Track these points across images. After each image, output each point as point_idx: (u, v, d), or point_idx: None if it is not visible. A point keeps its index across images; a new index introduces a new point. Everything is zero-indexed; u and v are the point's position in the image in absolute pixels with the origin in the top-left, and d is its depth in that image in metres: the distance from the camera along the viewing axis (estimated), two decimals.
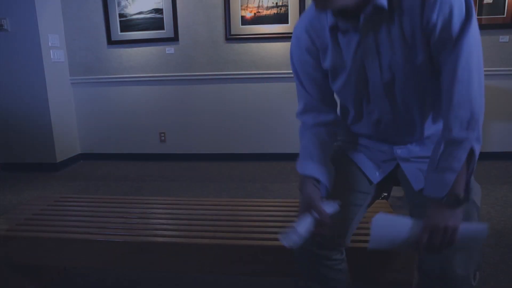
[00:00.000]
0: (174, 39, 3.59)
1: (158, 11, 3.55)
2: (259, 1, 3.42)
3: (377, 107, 0.95)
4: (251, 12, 3.45)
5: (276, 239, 1.31)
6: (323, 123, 1.03)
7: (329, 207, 0.91)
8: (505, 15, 3.25)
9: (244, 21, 3.48)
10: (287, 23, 3.42)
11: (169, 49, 3.64)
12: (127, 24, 3.61)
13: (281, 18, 3.43)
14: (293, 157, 4.22)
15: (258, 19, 3.46)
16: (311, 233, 0.87)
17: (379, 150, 1.03)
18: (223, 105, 3.72)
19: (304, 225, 0.85)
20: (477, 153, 0.81)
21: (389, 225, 0.82)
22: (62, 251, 1.38)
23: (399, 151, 0.99)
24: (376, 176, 1.03)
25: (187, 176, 3.35)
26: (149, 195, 2.86)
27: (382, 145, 1.03)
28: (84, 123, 3.91)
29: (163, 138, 3.86)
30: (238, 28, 3.50)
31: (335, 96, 1.05)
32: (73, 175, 3.48)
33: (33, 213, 1.60)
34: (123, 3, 3.58)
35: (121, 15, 3.61)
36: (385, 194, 2.50)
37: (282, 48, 3.51)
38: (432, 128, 0.97)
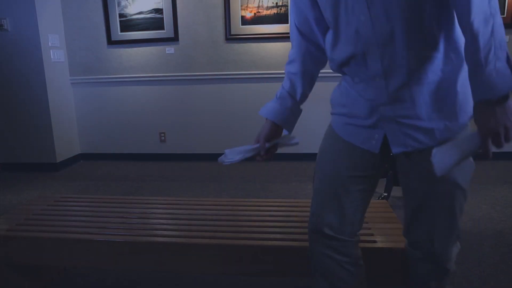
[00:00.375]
0: (174, 39, 3.59)
1: (158, 11, 3.55)
2: (259, 1, 3.42)
3: (355, 14, 0.87)
4: (251, 12, 3.45)
5: (276, 239, 1.31)
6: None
7: (284, 142, 1.09)
8: (505, 15, 3.25)
9: (244, 21, 3.48)
10: (287, 23, 3.41)
11: (169, 49, 3.64)
12: (127, 24, 3.62)
13: (281, 18, 3.43)
14: (293, 157, 4.18)
15: (258, 19, 3.46)
16: (247, 158, 1.11)
17: (364, 117, 0.96)
18: (223, 105, 3.72)
19: (240, 152, 1.11)
20: (503, 37, 0.75)
21: (447, 152, 0.82)
22: (62, 251, 1.38)
23: (382, 108, 0.92)
24: (372, 144, 0.97)
25: (187, 176, 3.35)
26: (149, 195, 2.86)
27: (366, 90, 0.94)
28: (84, 123, 3.91)
29: (163, 138, 3.86)
30: (238, 28, 3.50)
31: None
32: (73, 175, 3.48)
33: (33, 213, 1.60)
34: (123, 3, 3.58)
35: (121, 15, 3.61)
36: (385, 194, 2.51)
37: (282, 48, 3.51)
38: (420, 67, 0.86)
